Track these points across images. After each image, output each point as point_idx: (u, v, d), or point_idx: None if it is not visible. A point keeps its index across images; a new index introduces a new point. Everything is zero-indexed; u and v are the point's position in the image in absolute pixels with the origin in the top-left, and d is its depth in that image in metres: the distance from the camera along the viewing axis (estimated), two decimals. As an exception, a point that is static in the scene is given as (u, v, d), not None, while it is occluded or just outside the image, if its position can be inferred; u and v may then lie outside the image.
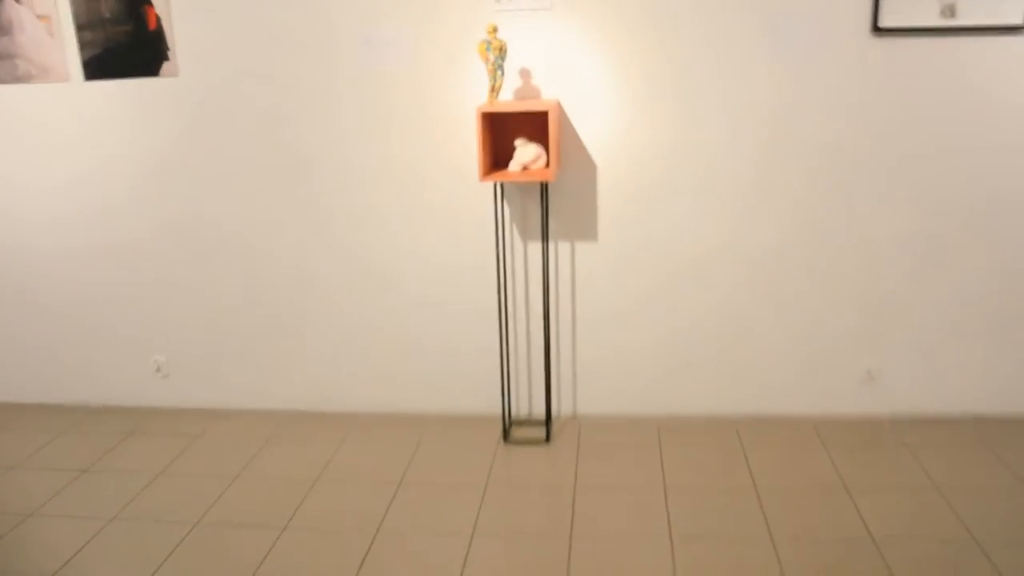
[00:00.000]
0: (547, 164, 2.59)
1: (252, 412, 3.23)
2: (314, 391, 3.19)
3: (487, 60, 2.51)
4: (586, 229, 2.84)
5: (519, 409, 3.09)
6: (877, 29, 2.54)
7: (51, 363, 3.33)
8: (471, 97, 2.73)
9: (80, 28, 2.83)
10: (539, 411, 3.09)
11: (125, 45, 2.83)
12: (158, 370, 3.25)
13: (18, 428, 3.19)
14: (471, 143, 2.78)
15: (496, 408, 3.09)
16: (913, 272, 2.77)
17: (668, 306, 2.90)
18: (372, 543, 2.34)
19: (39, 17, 2.85)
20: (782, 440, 2.82)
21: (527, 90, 2.72)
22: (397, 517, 2.47)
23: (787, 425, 2.92)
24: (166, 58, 2.82)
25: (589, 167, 2.77)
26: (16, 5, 2.84)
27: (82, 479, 2.77)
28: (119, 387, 3.31)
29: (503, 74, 2.56)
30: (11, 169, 3.07)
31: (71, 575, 2.25)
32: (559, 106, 2.71)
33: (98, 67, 2.87)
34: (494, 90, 2.55)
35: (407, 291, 3.00)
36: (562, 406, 3.07)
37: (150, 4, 2.78)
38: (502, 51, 2.51)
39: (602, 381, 3.02)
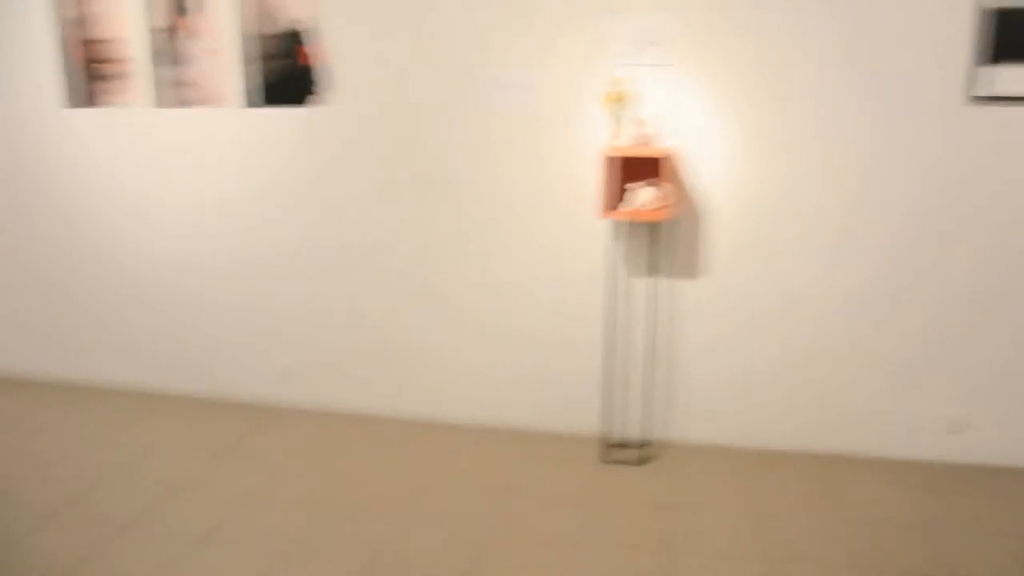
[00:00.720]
0: (665, 206, 2.83)
1: (369, 417, 3.47)
2: (428, 404, 3.42)
3: (611, 109, 2.79)
4: (689, 267, 3.06)
5: (616, 432, 3.27)
6: (973, 97, 2.74)
7: (196, 359, 3.65)
8: (589, 138, 3.00)
9: (246, 61, 3.20)
10: (635, 435, 3.25)
11: (285, 78, 3.19)
12: (284, 373, 3.53)
13: (159, 416, 3.49)
14: (587, 181, 3.04)
15: (594, 430, 3.28)
16: (1005, 323, 2.90)
17: (763, 343, 3.08)
18: (481, 541, 2.53)
19: (209, 51, 3.23)
20: (868, 479, 2.93)
21: (644, 136, 2.97)
22: (502, 520, 2.66)
23: (874, 465, 3.04)
24: (321, 91, 3.17)
25: (696, 208, 3.00)
26: (191, 40, 3.23)
27: (212, 464, 3.03)
28: (249, 384, 3.61)
29: (625, 121, 2.83)
30: (177, 183, 3.43)
31: (209, 548, 2.51)
32: (676, 153, 2.96)
33: (260, 96, 3.23)
34: (616, 135, 2.82)
35: (519, 316, 3.23)
36: (657, 432, 3.25)
37: (309, 43, 3.14)
38: (625, 101, 2.79)
39: (697, 411, 3.19)
